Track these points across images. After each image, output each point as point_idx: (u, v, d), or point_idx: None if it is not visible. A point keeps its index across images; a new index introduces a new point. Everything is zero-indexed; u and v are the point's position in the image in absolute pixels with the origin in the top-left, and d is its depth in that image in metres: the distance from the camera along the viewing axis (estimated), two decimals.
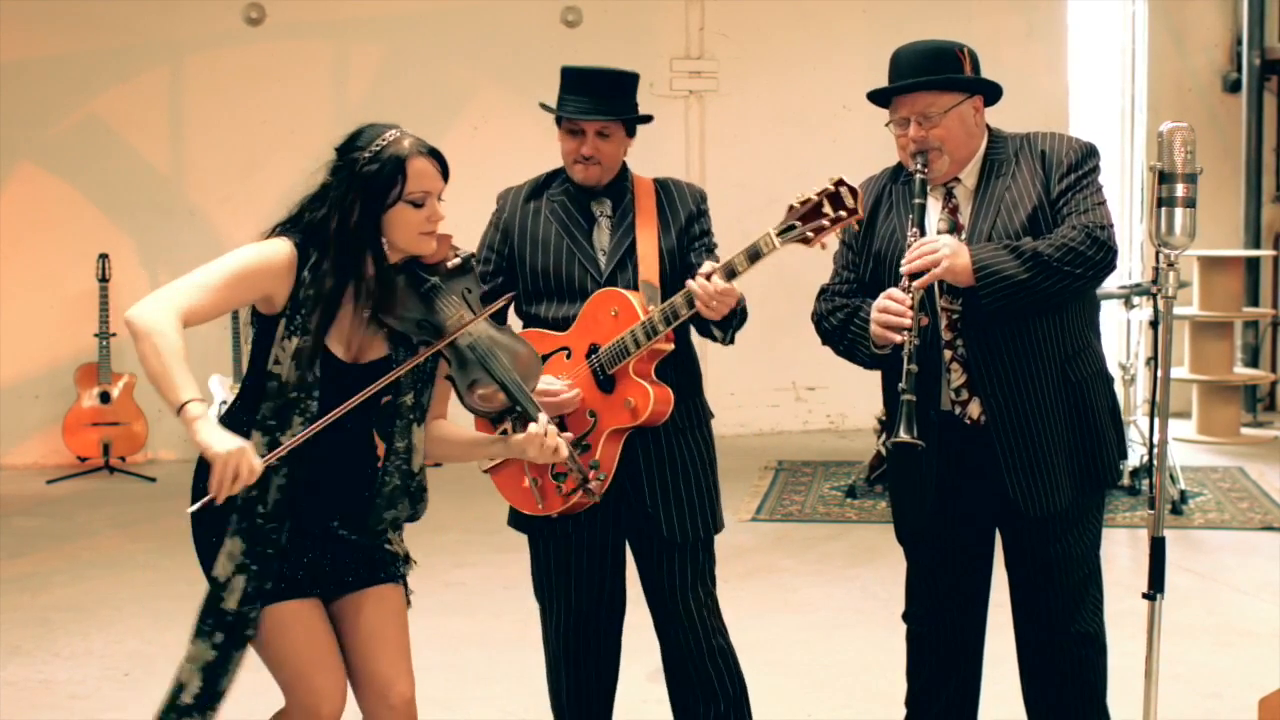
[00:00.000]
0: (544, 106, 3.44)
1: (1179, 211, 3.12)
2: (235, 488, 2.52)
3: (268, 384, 2.73)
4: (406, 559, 2.98)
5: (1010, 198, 3.17)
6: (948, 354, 3.20)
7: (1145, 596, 3.23)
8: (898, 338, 3.05)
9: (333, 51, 8.60)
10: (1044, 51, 9.09)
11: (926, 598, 3.40)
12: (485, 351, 2.86)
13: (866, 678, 4.60)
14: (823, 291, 3.41)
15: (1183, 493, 6.76)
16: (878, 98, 3.25)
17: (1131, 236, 9.33)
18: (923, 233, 3.14)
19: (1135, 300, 7.11)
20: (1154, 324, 3.26)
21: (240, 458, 2.50)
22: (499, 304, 3.06)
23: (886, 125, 3.26)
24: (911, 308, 3.04)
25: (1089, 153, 3.20)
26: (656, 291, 3.30)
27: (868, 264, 3.31)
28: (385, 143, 2.76)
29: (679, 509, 3.37)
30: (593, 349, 3.30)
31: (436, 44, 8.59)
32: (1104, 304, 5.55)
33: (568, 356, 3.32)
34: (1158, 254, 3.17)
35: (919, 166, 3.15)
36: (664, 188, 3.47)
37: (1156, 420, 3.24)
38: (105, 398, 8.01)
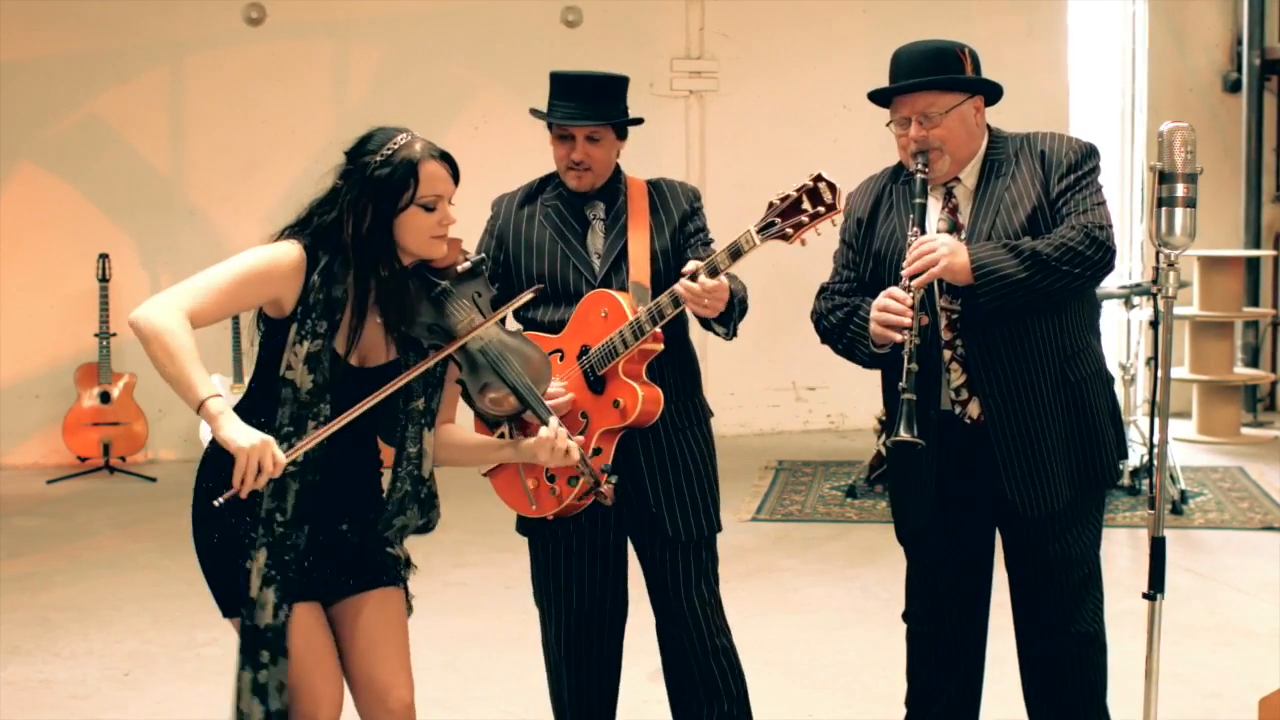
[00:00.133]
0: (534, 112, 3.45)
1: (1179, 211, 3.12)
2: (260, 482, 2.53)
3: (282, 390, 2.73)
4: (408, 563, 2.97)
5: (1010, 198, 3.17)
6: (947, 354, 3.20)
7: (1145, 596, 3.22)
8: (898, 336, 3.06)
9: (333, 51, 8.60)
10: (1044, 51, 9.08)
11: (927, 598, 3.40)
12: (496, 356, 2.86)
13: (866, 678, 4.60)
14: (823, 290, 3.41)
15: (1183, 493, 6.76)
16: (878, 98, 3.25)
17: (1131, 236, 9.33)
18: (923, 232, 3.14)
19: (1135, 300, 7.11)
20: (1154, 324, 3.26)
21: (264, 451, 2.51)
22: (517, 302, 3.03)
23: (887, 125, 3.26)
24: (912, 307, 3.05)
25: (1089, 153, 3.20)
26: (647, 293, 3.31)
27: (867, 263, 3.31)
28: (397, 146, 2.76)
29: (682, 507, 3.38)
30: (584, 350, 3.31)
31: (437, 44, 8.59)
32: (1104, 304, 5.56)
33: (560, 358, 3.32)
34: (1158, 254, 3.17)
35: (919, 166, 3.15)
36: (656, 188, 3.48)
37: (1157, 420, 3.24)
38: (105, 398, 8.01)
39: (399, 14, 8.58)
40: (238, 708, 2.75)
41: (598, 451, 3.22)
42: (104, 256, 7.94)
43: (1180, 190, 3.11)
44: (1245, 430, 8.82)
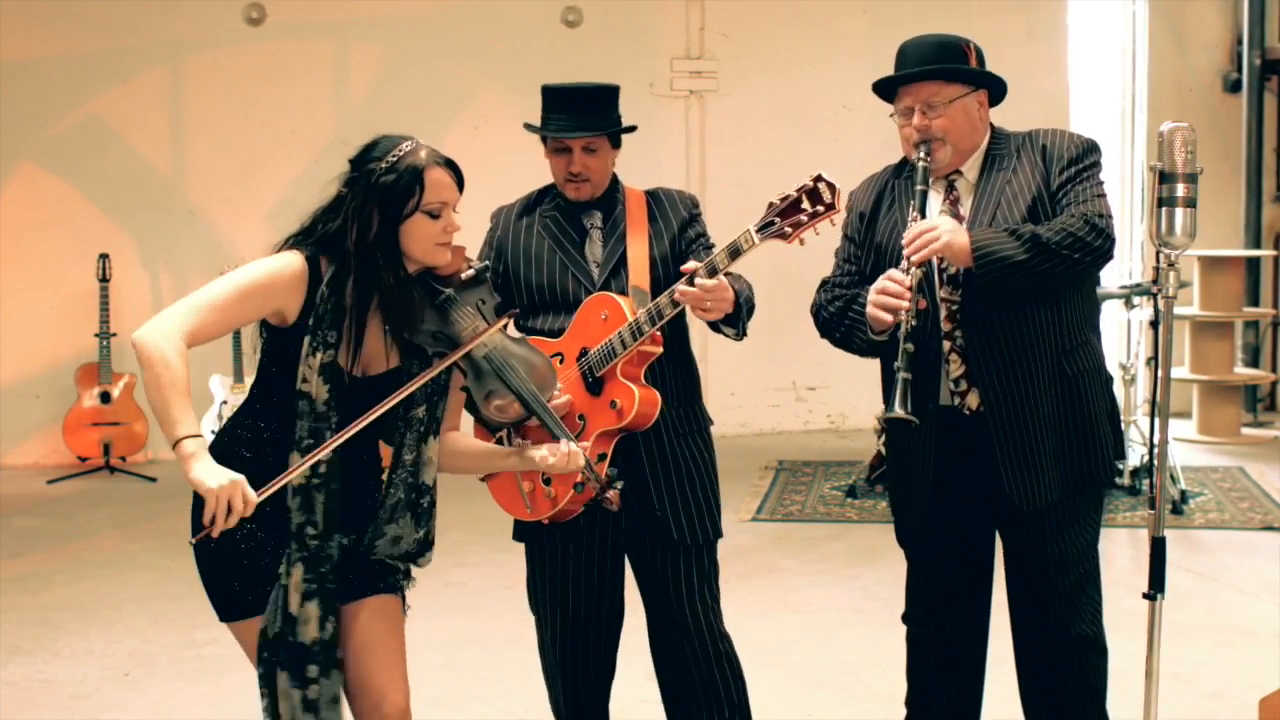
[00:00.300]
0: (528, 127, 3.46)
1: (1179, 211, 3.12)
2: (230, 521, 2.54)
3: (299, 404, 2.73)
4: (407, 573, 2.95)
5: (1011, 190, 3.19)
6: (946, 345, 3.21)
7: (1146, 596, 3.22)
8: (889, 318, 3.06)
9: (333, 51, 8.60)
10: (1044, 51, 9.08)
11: (927, 599, 3.40)
12: (501, 363, 2.86)
13: (866, 678, 4.60)
14: (824, 284, 3.43)
15: (1183, 493, 6.76)
16: (884, 89, 3.27)
17: (1132, 236, 9.33)
18: (923, 217, 3.15)
19: (1135, 300, 7.11)
20: (1154, 324, 3.26)
21: (233, 491, 2.52)
22: (504, 321, 3.05)
23: (891, 116, 3.28)
24: (910, 288, 3.05)
25: (1090, 148, 3.21)
26: (647, 297, 3.31)
27: (869, 256, 3.32)
28: (402, 153, 2.76)
29: (686, 511, 3.38)
30: (583, 353, 3.31)
31: (437, 44, 8.59)
32: (1104, 304, 5.55)
33: (560, 361, 3.33)
34: (1158, 254, 3.18)
35: (922, 155, 3.17)
36: (654, 198, 3.50)
37: (1157, 420, 3.23)
38: (106, 398, 8.01)
39: (399, 14, 8.58)
40: None
41: (603, 457, 3.22)
42: (104, 256, 7.94)
43: (1180, 190, 3.11)
44: (1245, 430, 8.82)
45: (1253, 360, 9.33)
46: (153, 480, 7.75)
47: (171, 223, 8.39)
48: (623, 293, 3.33)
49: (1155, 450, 3.26)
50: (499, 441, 3.24)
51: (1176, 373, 8.55)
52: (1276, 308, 9.46)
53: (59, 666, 4.85)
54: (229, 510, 2.52)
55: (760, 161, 8.62)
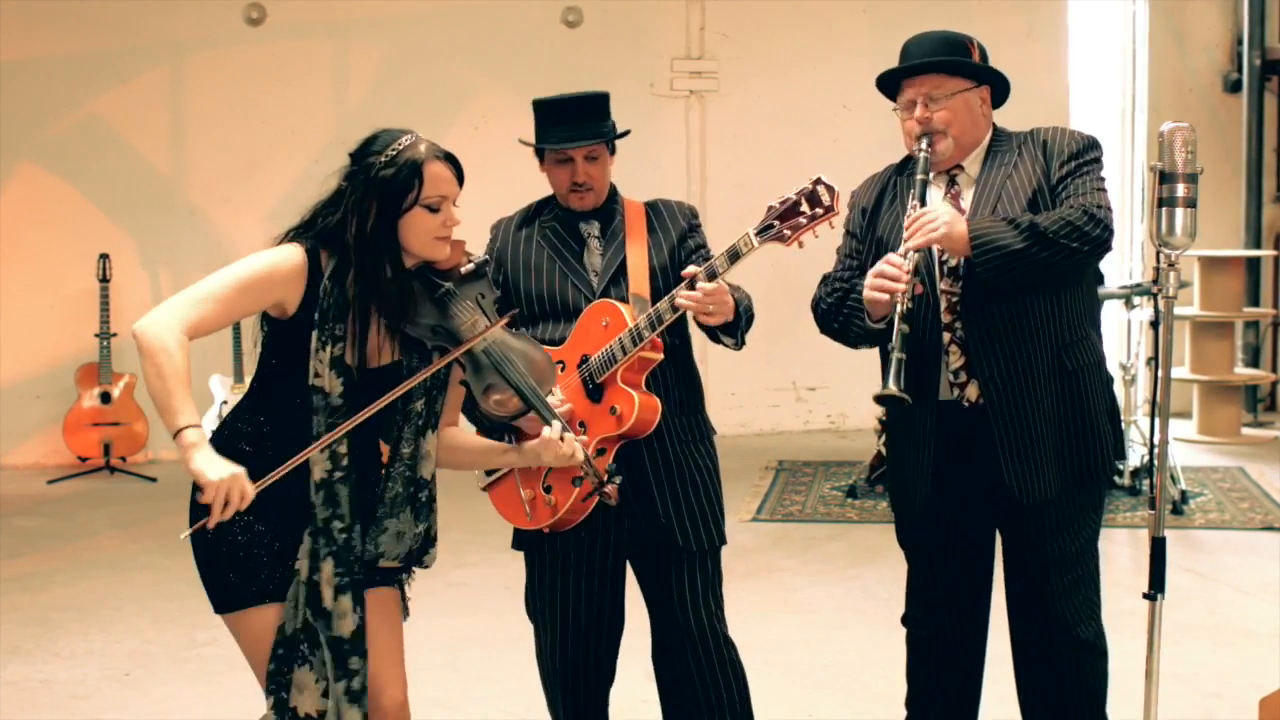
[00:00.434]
0: (526, 143, 3.46)
1: (1180, 211, 3.12)
2: (227, 513, 2.54)
3: (314, 399, 2.73)
4: (407, 568, 2.97)
5: (1012, 185, 3.20)
6: (946, 336, 3.21)
7: (1146, 597, 3.22)
8: (885, 298, 3.07)
9: (333, 51, 8.60)
10: (1044, 51, 9.08)
11: (927, 601, 3.40)
12: (500, 357, 2.86)
13: (866, 678, 4.60)
14: (825, 279, 3.44)
15: (1183, 493, 6.76)
16: (887, 85, 3.28)
17: (1132, 236, 9.33)
18: (923, 205, 3.16)
19: (1136, 300, 7.11)
20: (1154, 324, 3.26)
21: (233, 484, 2.53)
22: (504, 321, 3.05)
23: (894, 111, 3.28)
24: (907, 272, 3.06)
25: (1090, 144, 3.22)
26: (647, 305, 3.31)
27: (870, 250, 3.33)
28: (401, 147, 2.77)
29: (691, 517, 3.37)
30: (584, 359, 3.31)
31: (437, 44, 8.59)
32: (1105, 304, 5.55)
33: (561, 369, 3.32)
34: (1158, 254, 3.18)
35: (923, 146, 3.18)
36: (654, 209, 3.51)
37: (1157, 420, 3.24)
38: (106, 398, 8.02)
39: (399, 14, 8.58)
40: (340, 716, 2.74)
41: (601, 452, 3.22)
42: (104, 256, 7.95)
43: (1181, 190, 3.11)
44: (1245, 430, 8.82)
45: (1253, 360, 9.33)
46: (153, 480, 7.75)
47: (171, 223, 8.39)
48: (623, 300, 3.34)
49: (1155, 450, 3.26)
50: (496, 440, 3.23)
51: (1177, 373, 8.55)
52: (1277, 308, 9.46)
53: (59, 666, 4.85)
54: (227, 504, 2.52)
55: (760, 161, 8.62)
